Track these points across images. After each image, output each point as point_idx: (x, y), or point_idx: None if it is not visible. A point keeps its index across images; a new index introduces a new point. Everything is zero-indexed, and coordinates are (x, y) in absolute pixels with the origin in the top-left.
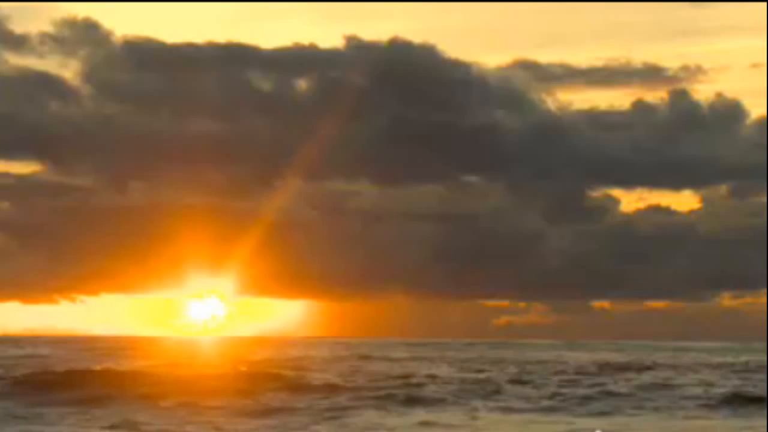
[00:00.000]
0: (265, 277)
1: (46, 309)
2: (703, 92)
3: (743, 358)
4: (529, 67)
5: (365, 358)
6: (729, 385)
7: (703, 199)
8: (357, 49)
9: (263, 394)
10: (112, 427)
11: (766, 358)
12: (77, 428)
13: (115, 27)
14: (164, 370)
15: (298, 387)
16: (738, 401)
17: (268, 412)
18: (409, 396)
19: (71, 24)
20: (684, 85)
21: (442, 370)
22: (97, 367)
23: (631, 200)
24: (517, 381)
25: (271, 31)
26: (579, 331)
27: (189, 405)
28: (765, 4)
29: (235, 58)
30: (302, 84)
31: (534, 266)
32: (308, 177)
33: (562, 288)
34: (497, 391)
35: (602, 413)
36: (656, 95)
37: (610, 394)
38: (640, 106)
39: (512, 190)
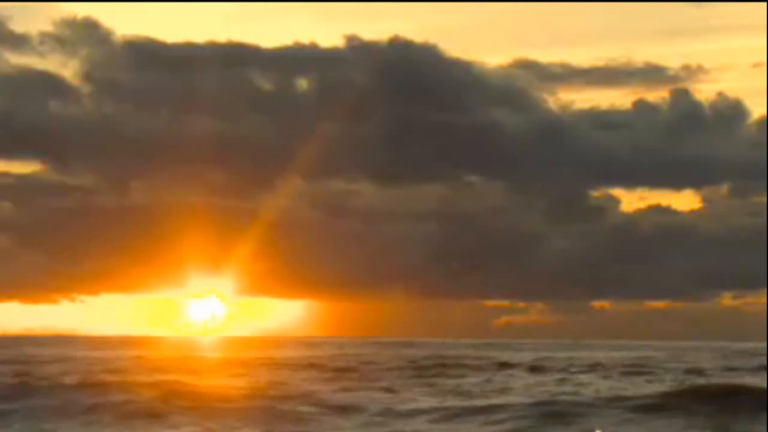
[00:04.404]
0: (265, 277)
1: (46, 309)
2: (704, 92)
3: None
4: (529, 66)
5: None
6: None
7: (704, 199)
8: (357, 49)
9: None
10: None
11: None
12: None
13: (115, 27)
14: None
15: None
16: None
17: None
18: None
19: (71, 24)
20: (685, 84)
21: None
22: None
23: (631, 200)
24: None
25: (271, 30)
26: (579, 331)
27: None
28: (765, 4)
29: (235, 58)
30: (302, 84)
31: (534, 266)
32: (308, 177)
33: (562, 288)
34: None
35: None
36: (657, 95)
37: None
38: (641, 105)
39: (513, 189)
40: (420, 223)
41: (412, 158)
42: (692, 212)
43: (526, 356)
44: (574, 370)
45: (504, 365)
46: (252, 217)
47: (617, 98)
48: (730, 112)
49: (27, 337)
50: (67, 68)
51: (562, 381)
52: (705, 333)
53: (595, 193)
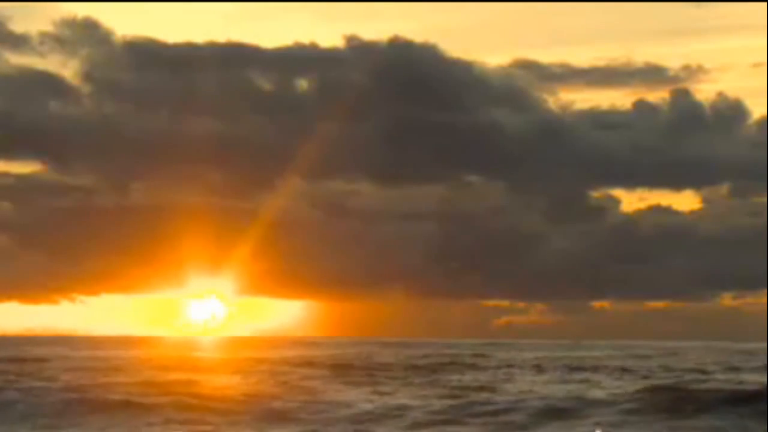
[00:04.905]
0: (265, 277)
1: (46, 309)
2: (704, 92)
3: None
4: (530, 66)
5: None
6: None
7: (704, 199)
8: (357, 49)
9: None
10: None
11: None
12: None
13: (115, 27)
14: None
15: None
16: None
17: None
18: None
19: (71, 24)
20: (685, 84)
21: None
22: None
23: (632, 200)
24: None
25: (271, 30)
26: (579, 331)
27: None
28: (765, 4)
29: (235, 58)
30: (302, 84)
31: (534, 266)
32: (308, 177)
33: (562, 288)
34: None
35: None
36: (657, 95)
37: None
38: (641, 105)
39: (513, 189)
40: (420, 223)
41: (412, 158)
42: (692, 212)
43: (525, 356)
44: (571, 369)
45: (502, 365)
46: (252, 218)
47: (617, 98)
48: (730, 112)
49: (27, 338)
50: (67, 68)
51: (559, 380)
52: (705, 333)
53: (595, 193)
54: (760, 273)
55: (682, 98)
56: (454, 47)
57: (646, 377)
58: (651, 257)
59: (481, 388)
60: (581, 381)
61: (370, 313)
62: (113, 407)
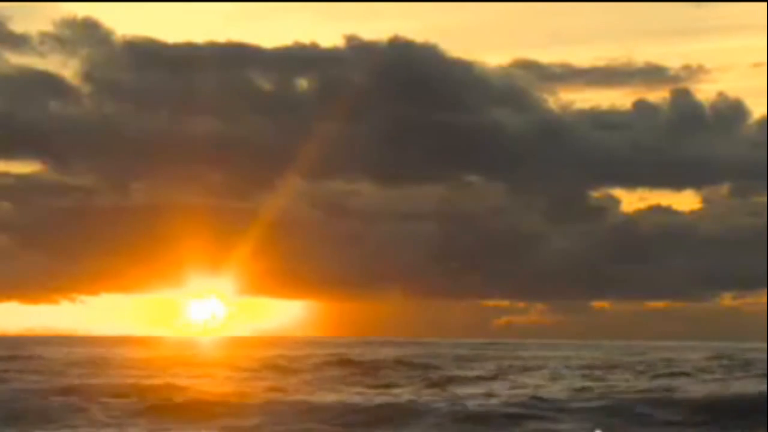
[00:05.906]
0: (265, 277)
1: (46, 309)
2: (704, 92)
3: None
4: (529, 66)
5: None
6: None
7: (704, 199)
8: (357, 48)
9: None
10: None
11: None
12: None
13: (115, 27)
14: None
15: None
16: None
17: None
18: None
19: (71, 24)
20: (686, 84)
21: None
22: None
23: (632, 200)
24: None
25: (271, 30)
26: (579, 331)
27: None
28: (765, 4)
29: (235, 58)
30: (302, 84)
31: (534, 266)
32: (308, 177)
33: (562, 288)
34: None
35: None
36: (658, 95)
37: None
38: (641, 105)
39: (513, 189)
40: (420, 223)
41: (412, 158)
42: (692, 212)
43: (523, 354)
44: (569, 368)
45: (499, 363)
46: (252, 218)
47: (617, 98)
48: (731, 112)
49: (27, 337)
50: (67, 68)
51: (555, 378)
52: (705, 333)
53: (595, 193)
54: (760, 273)
55: (682, 98)
56: (454, 47)
57: (644, 374)
58: (651, 257)
59: (476, 385)
60: (580, 379)
61: (370, 313)
62: (106, 406)
